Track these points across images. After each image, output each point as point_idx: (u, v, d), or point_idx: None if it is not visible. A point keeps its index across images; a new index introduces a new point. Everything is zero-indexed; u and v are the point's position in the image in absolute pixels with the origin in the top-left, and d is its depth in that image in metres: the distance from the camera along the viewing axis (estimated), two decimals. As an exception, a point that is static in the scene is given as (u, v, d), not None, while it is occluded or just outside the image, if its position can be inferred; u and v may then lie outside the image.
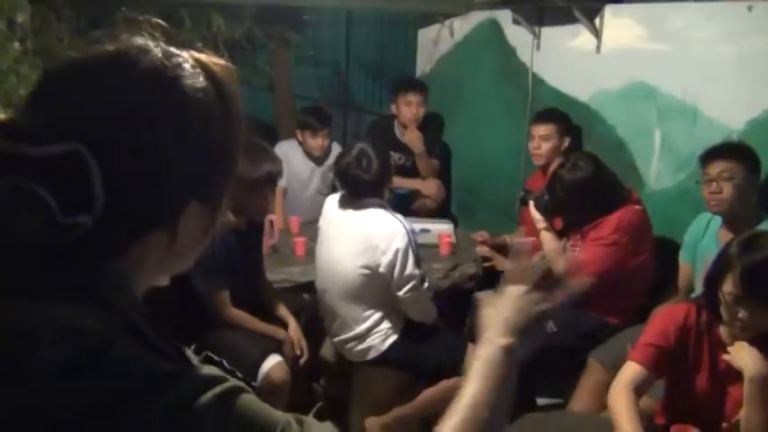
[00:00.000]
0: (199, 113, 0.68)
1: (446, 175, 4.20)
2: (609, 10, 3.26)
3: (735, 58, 2.73)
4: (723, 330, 1.86)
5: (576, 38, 3.43)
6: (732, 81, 2.74)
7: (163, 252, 0.70)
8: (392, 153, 3.44)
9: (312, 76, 5.66)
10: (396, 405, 2.63)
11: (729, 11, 2.74)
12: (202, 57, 0.72)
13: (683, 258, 2.71)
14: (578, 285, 0.92)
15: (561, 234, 2.94)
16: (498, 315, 0.87)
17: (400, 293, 2.48)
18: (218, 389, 0.61)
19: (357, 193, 2.53)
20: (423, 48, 4.57)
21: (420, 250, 2.58)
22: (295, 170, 3.81)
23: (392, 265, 2.43)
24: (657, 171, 3.11)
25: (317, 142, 3.77)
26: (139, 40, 0.69)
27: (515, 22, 3.74)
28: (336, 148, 3.84)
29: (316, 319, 2.79)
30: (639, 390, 1.84)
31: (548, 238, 2.88)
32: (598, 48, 3.32)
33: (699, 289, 2.25)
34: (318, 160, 3.88)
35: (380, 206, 2.53)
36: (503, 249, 3.50)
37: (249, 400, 0.63)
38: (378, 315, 2.56)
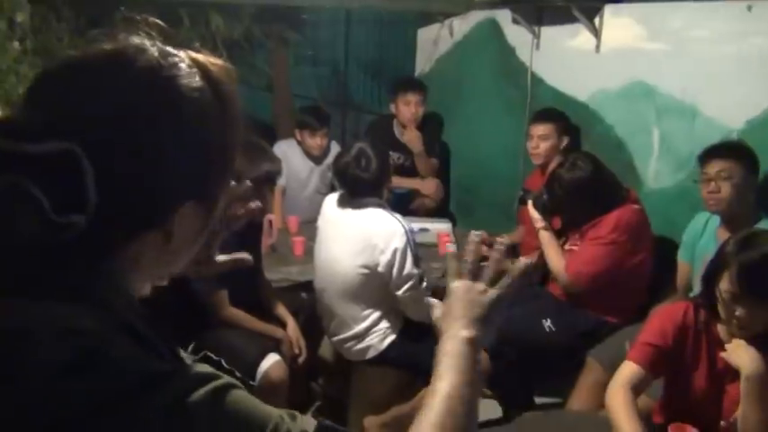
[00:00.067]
0: (195, 113, 0.68)
1: (445, 175, 4.21)
2: (608, 9, 3.26)
3: (734, 57, 2.73)
4: (721, 329, 1.87)
5: (575, 37, 3.43)
6: (731, 81, 2.75)
7: (158, 252, 0.70)
8: (391, 153, 3.44)
9: (311, 75, 5.66)
10: (394, 404, 2.63)
11: (729, 10, 2.74)
12: (199, 56, 0.72)
13: (682, 257, 2.71)
14: (520, 266, 0.92)
15: (560, 233, 2.94)
16: (452, 313, 0.87)
17: (399, 293, 2.48)
18: (211, 386, 0.62)
19: (356, 192, 2.53)
20: (422, 47, 4.57)
21: (419, 249, 2.58)
22: (294, 169, 3.81)
23: (391, 265, 2.43)
24: (656, 170, 3.11)
25: (315, 142, 3.78)
26: (136, 40, 0.69)
27: (515, 21, 3.74)
28: (335, 148, 3.84)
29: (314, 319, 2.79)
30: (637, 389, 1.84)
31: (546, 238, 2.88)
32: (597, 47, 3.33)
33: (697, 288, 2.25)
34: (317, 160, 3.88)
35: (379, 205, 2.53)
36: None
37: (242, 395, 0.64)
38: (376, 314, 2.56)
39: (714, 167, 2.44)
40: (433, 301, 0.91)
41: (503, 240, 0.93)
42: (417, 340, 2.58)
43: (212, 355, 2.46)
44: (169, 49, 0.70)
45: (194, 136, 0.69)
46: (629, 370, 1.87)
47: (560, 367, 2.77)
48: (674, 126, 3.00)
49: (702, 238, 2.62)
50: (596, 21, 3.30)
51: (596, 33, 3.31)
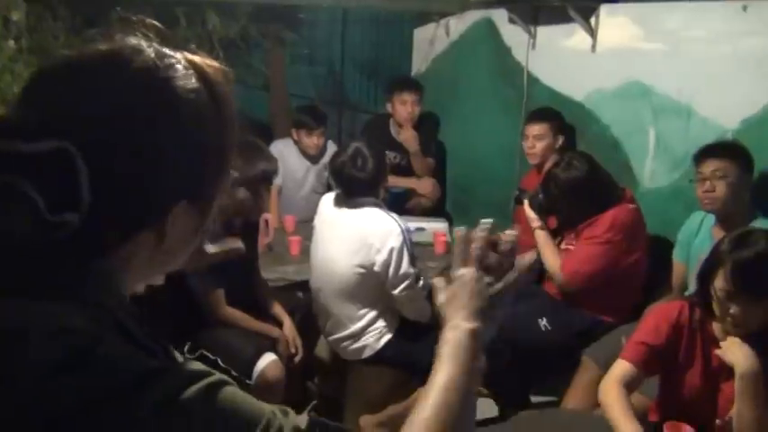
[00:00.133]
0: (190, 114, 0.69)
1: (441, 174, 4.21)
2: (604, 9, 3.27)
3: (730, 57, 2.74)
4: (716, 327, 1.87)
5: (571, 37, 3.44)
6: (727, 80, 2.75)
7: (151, 251, 0.70)
8: (387, 152, 3.45)
9: (307, 74, 5.66)
10: (390, 403, 2.64)
11: (724, 10, 2.75)
12: (196, 58, 0.72)
13: (677, 257, 2.72)
14: (526, 262, 0.92)
15: (555, 233, 2.95)
16: (457, 300, 0.87)
17: (395, 292, 2.48)
18: (203, 382, 0.62)
19: (352, 192, 2.53)
20: (418, 47, 4.58)
21: (415, 249, 2.58)
22: (290, 169, 3.81)
23: (387, 264, 2.43)
24: (652, 170, 3.12)
25: (312, 141, 3.78)
26: (133, 41, 0.69)
27: (511, 21, 3.75)
28: (332, 147, 3.85)
29: (310, 318, 2.80)
30: (629, 387, 1.85)
31: (542, 237, 2.89)
32: (593, 47, 3.33)
33: (692, 287, 2.26)
34: (313, 159, 3.88)
35: (375, 205, 2.53)
36: (497, 246, 3.51)
37: (234, 392, 0.64)
38: (373, 314, 2.56)
39: (709, 167, 2.45)
40: (439, 283, 0.90)
41: (512, 233, 0.92)
42: (413, 339, 2.59)
43: (209, 354, 2.47)
44: (165, 50, 0.70)
45: (190, 137, 0.69)
46: (621, 368, 1.88)
47: (556, 366, 2.77)
48: (670, 126, 3.01)
49: (698, 237, 2.63)
50: (592, 20, 3.31)
51: (592, 33, 3.31)
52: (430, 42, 4.42)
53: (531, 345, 2.70)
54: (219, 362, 2.44)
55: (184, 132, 0.68)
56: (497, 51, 3.91)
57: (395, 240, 2.43)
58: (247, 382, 2.42)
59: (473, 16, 4.07)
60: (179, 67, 0.69)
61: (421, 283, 2.53)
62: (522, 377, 2.77)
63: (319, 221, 2.70)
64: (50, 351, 0.58)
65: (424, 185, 3.93)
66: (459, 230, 0.91)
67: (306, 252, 2.90)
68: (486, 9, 3.93)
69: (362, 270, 2.47)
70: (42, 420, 0.57)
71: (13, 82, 3.18)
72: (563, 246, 2.88)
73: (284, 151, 3.76)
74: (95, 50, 0.68)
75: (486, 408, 2.71)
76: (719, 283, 1.77)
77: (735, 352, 1.78)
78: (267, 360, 2.46)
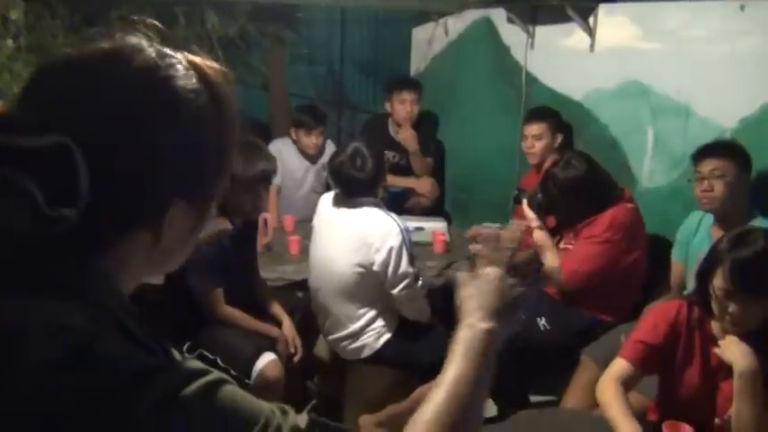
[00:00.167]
0: (190, 114, 0.69)
1: (440, 174, 4.21)
2: (603, 9, 3.27)
3: (728, 57, 2.74)
4: (714, 325, 1.88)
5: (569, 37, 3.44)
6: (725, 80, 2.76)
7: (148, 251, 0.70)
8: (386, 151, 3.45)
9: (307, 74, 5.66)
10: (390, 403, 2.63)
11: (722, 10, 2.75)
12: (196, 59, 0.72)
13: (676, 256, 2.72)
14: (553, 271, 0.93)
15: (554, 232, 2.95)
16: (478, 297, 0.87)
17: (394, 291, 2.48)
18: (202, 381, 0.62)
19: (351, 192, 2.53)
20: (417, 46, 4.58)
21: (414, 248, 2.58)
22: (289, 168, 3.81)
23: (386, 264, 2.44)
24: (650, 169, 3.12)
25: (311, 140, 3.77)
26: (134, 40, 0.70)
27: (509, 20, 3.75)
28: (331, 147, 3.85)
29: (310, 317, 2.80)
30: (626, 385, 1.86)
31: (541, 237, 2.89)
32: (592, 47, 3.33)
33: (691, 286, 2.26)
34: (313, 158, 3.88)
35: (375, 205, 2.53)
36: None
37: (233, 390, 0.64)
38: (372, 313, 2.56)
39: (707, 166, 2.46)
40: (463, 278, 0.90)
41: (520, 222, 0.93)
42: (412, 339, 2.59)
43: (208, 354, 2.47)
44: (166, 50, 0.70)
45: (189, 137, 0.69)
46: (619, 366, 1.89)
47: (555, 365, 2.77)
48: (669, 125, 3.01)
49: (696, 236, 2.63)
50: (591, 20, 3.31)
51: (591, 33, 3.32)
52: (428, 42, 4.42)
53: (530, 344, 2.70)
54: (219, 361, 2.44)
55: (184, 132, 0.68)
56: (496, 51, 3.91)
57: (394, 240, 2.43)
58: (247, 381, 2.42)
59: (472, 16, 4.07)
60: (180, 67, 0.70)
61: (420, 282, 2.53)
62: (521, 376, 2.77)
63: (318, 221, 2.70)
64: (50, 350, 0.58)
65: (423, 185, 3.93)
66: (479, 229, 0.92)
67: (305, 251, 2.90)
68: (484, 8, 3.93)
69: (361, 269, 2.48)
70: (42, 419, 0.57)
71: (12, 81, 3.18)
72: (562, 245, 2.89)
73: (283, 151, 3.75)
74: (96, 49, 0.69)
75: (485, 407, 2.71)
76: (718, 281, 1.77)
77: (733, 350, 1.78)
78: (266, 359, 2.47)
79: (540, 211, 2.91)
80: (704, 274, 1.84)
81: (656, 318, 1.95)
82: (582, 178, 2.76)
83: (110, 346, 0.60)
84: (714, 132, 2.75)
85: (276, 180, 3.31)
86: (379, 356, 2.59)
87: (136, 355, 0.62)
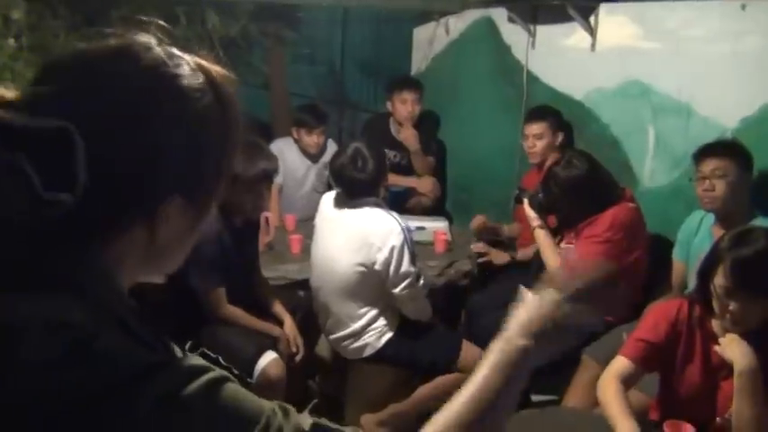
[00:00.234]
0: (195, 113, 0.69)
1: (441, 173, 4.21)
2: (603, 8, 3.27)
3: (729, 56, 2.74)
4: (715, 324, 1.88)
5: (570, 36, 3.44)
6: (726, 79, 2.76)
7: (144, 250, 0.70)
8: (387, 151, 3.45)
9: (308, 73, 5.66)
10: (391, 402, 2.64)
11: (723, 9, 2.76)
12: (203, 61, 0.73)
13: (677, 256, 2.72)
14: (617, 309, 0.92)
15: (555, 232, 2.95)
16: (527, 315, 0.87)
17: (396, 291, 2.49)
18: (204, 378, 0.62)
19: (353, 193, 2.54)
20: (418, 46, 4.58)
21: (415, 248, 2.59)
22: (290, 168, 3.81)
23: (387, 263, 2.44)
24: (651, 169, 3.12)
25: (312, 140, 3.77)
26: (143, 38, 0.71)
27: (510, 20, 3.75)
28: (332, 146, 3.85)
29: (311, 317, 2.80)
30: (627, 383, 1.86)
31: (542, 236, 2.89)
32: (593, 46, 3.34)
33: (692, 286, 2.26)
34: (314, 158, 3.88)
35: (376, 204, 2.54)
36: (499, 243, 3.52)
37: (235, 389, 0.64)
38: (373, 312, 2.57)
39: (709, 166, 2.46)
40: (525, 295, 0.90)
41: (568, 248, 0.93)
42: (414, 338, 2.59)
43: (210, 353, 2.47)
44: (174, 50, 0.71)
45: (192, 135, 0.69)
46: (619, 364, 1.89)
47: (556, 365, 2.77)
48: (670, 125, 3.01)
49: (697, 236, 2.63)
50: (591, 19, 3.31)
51: (592, 32, 3.32)
52: (429, 41, 4.42)
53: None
54: (221, 360, 2.44)
55: (187, 130, 0.69)
56: (497, 50, 3.91)
57: (395, 239, 2.43)
58: (249, 380, 2.42)
59: (473, 15, 4.07)
60: (186, 66, 0.71)
61: (422, 281, 2.54)
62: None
63: (320, 220, 2.70)
64: (50, 346, 0.58)
65: (425, 184, 3.93)
66: (572, 254, 0.92)
67: (306, 251, 2.90)
68: (485, 8, 3.93)
69: (363, 269, 2.48)
70: (42, 415, 0.57)
71: (14, 80, 3.18)
72: (563, 245, 2.89)
73: (285, 150, 3.76)
74: (106, 45, 0.70)
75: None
76: (719, 280, 1.77)
77: (734, 349, 1.78)
78: (268, 359, 2.47)
79: (542, 210, 2.91)
80: (705, 273, 1.84)
81: (657, 316, 1.95)
82: (583, 178, 2.76)
83: (110, 342, 0.60)
84: (715, 132, 2.75)
85: (278, 179, 3.32)
86: (381, 356, 2.59)
87: (136, 351, 0.62)
